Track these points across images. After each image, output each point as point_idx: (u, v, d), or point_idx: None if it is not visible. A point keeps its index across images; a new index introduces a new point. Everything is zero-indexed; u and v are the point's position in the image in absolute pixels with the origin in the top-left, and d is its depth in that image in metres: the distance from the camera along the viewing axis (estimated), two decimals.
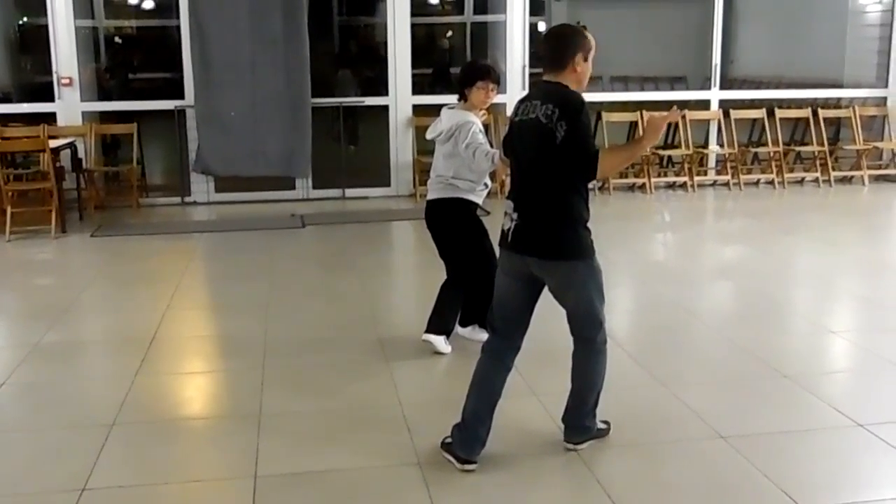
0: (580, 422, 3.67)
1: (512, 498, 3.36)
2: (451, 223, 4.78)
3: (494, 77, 4.70)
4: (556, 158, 3.32)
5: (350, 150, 11.32)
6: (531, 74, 10.11)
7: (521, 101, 3.54)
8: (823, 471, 3.54)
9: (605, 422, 3.78)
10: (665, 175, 10.67)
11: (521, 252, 3.45)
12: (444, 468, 3.54)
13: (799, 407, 4.16)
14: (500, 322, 3.61)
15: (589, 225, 3.45)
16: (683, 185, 10.30)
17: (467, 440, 3.53)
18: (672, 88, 12.21)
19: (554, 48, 3.46)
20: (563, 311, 3.60)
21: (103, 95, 10.84)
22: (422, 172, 9.73)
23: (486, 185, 4.76)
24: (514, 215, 3.45)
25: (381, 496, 3.37)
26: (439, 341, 4.84)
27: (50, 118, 9.27)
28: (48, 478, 3.53)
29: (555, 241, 3.39)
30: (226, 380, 4.74)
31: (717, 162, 10.78)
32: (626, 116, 10.08)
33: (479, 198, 4.77)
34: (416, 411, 4.11)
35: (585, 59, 3.43)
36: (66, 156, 8.72)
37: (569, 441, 3.68)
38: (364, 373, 4.65)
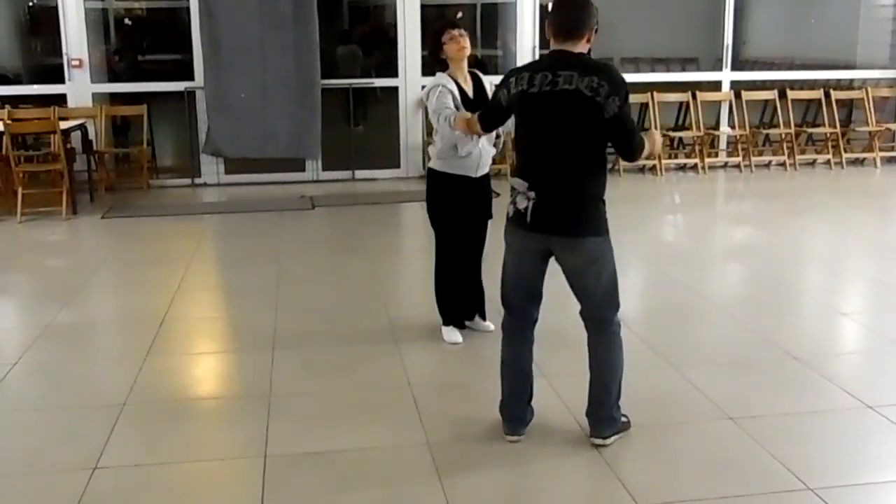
0: (607, 412, 3.52)
1: (519, 476, 3.37)
2: (427, 193, 4.64)
3: (454, 25, 4.53)
4: (599, 133, 3.26)
5: (359, 129, 11.31)
6: (542, 55, 10.06)
7: (531, 72, 3.33)
8: (832, 452, 3.54)
9: (625, 415, 3.64)
10: (676, 157, 10.63)
11: (543, 231, 3.34)
12: (452, 448, 3.56)
13: (808, 388, 4.15)
14: (516, 300, 3.57)
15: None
16: (694, 167, 10.26)
17: (509, 418, 3.61)
18: (683, 70, 12.14)
19: (573, 17, 3.30)
20: (571, 295, 3.57)
21: (113, 77, 10.84)
22: None
23: (455, 150, 4.41)
24: (531, 194, 3.33)
25: (390, 476, 3.39)
26: (444, 332, 4.80)
27: (60, 100, 9.29)
28: (60, 457, 3.56)
29: (580, 218, 3.32)
30: (236, 361, 4.76)
31: (729, 144, 10.72)
32: (637, 98, 10.03)
33: (453, 168, 4.48)
34: (426, 392, 4.12)
35: (595, 31, 3.34)
36: (76, 137, 8.73)
37: (597, 436, 3.52)
38: (373, 354, 4.66)
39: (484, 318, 4.86)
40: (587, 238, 3.34)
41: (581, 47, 3.30)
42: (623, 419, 3.60)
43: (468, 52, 4.52)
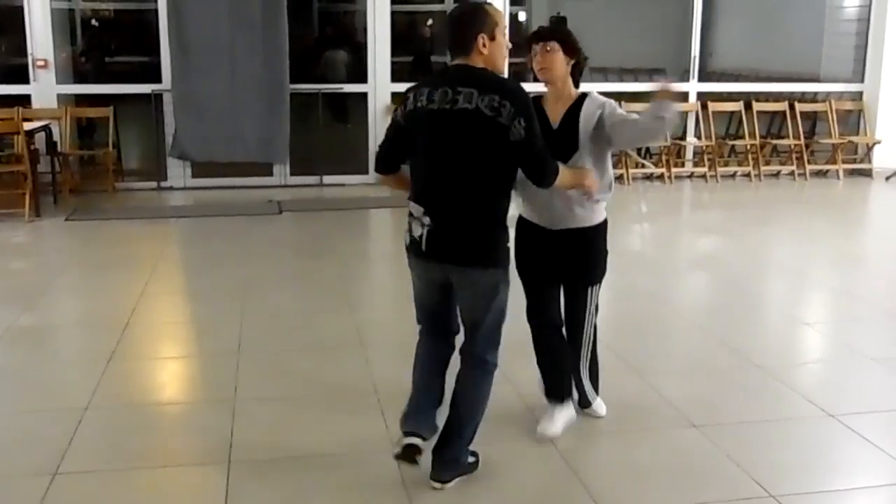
0: (454, 454, 3.31)
1: (485, 485, 3.37)
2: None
3: (534, 37, 3.56)
4: (505, 157, 3.04)
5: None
6: (511, 64, 10.09)
7: (421, 87, 3.12)
8: (794, 460, 3.58)
9: (475, 454, 3.41)
10: (642, 167, 10.71)
11: (439, 260, 3.15)
12: None
13: (771, 397, 4.20)
14: (425, 327, 3.42)
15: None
16: (661, 177, 10.34)
17: (411, 411, 3.37)
18: (651, 80, 12.23)
19: (454, 31, 3.11)
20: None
21: (79, 78, 10.72)
22: None
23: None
24: (426, 220, 3.11)
25: (355, 481, 3.38)
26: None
27: (24, 101, 9.15)
28: (20, 461, 3.51)
29: (479, 247, 3.12)
30: (200, 365, 4.73)
31: (695, 154, 10.82)
32: None
33: (521, 210, 3.73)
34: (391, 397, 4.09)
35: (492, 38, 3.07)
36: (40, 139, 8.61)
37: (437, 479, 3.27)
38: (339, 359, 4.65)
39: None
40: (485, 269, 3.15)
41: (474, 60, 3.07)
42: (471, 460, 3.39)
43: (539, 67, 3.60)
